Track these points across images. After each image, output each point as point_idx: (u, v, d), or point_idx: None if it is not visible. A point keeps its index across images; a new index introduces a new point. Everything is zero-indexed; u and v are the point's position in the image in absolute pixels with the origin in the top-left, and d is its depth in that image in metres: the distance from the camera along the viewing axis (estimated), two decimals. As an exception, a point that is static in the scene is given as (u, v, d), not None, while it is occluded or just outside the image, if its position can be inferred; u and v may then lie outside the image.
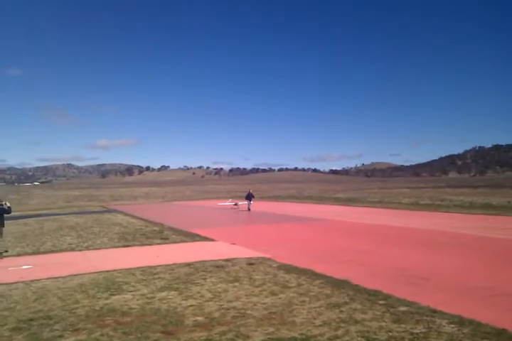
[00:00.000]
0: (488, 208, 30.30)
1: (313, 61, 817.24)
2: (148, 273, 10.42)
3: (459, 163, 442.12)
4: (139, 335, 6.02)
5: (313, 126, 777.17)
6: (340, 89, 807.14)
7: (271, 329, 6.09)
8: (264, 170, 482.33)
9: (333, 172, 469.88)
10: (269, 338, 5.73)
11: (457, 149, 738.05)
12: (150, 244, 15.55)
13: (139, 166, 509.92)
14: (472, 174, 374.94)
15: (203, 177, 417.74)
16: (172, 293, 8.44)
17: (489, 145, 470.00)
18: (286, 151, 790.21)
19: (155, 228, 21.28)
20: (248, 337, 5.82)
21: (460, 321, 6.25)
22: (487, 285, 8.70)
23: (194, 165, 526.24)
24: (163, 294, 8.35)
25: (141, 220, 26.54)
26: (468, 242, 15.01)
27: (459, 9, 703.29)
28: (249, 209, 34.10)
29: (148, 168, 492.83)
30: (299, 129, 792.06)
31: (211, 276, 9.80)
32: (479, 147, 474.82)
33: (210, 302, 7.64)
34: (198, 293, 8.37)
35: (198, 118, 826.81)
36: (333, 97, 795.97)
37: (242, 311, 7.04)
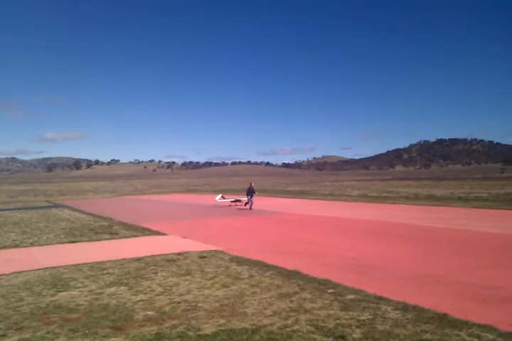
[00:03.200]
0: (432, 199, 31.67)
1: (268, 54, 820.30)
2: (97, 268, 10.16)
3: (405, 156, 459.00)
4: (87, 332, 5.88)
5: (266, 120, 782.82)
6: (293, 83, 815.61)
7: (222, 321, 6.11)
8: (217, 164, 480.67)
9: (285, 165, 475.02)
10: (220, 330, 5.75)
11: (403, 143, 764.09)
12: (99, 240, 15.16)
13: (87, 160, 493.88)
14: (417, 167, 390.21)
15: (154, 171, 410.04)
16: (121, 288, 8.28)
17: (433, 140, 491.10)
18: (239, 145, 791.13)
19: (104, 223, 20.77)
20: (199, 329, 5.82)
21: (404, 307, 6.51)
22: (430, 272, 9.10)
23: (145, 158, 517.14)
24: (112, 289, 8.18)
25: (89, 215, 25.82)
26: (413, 232, 15.64)
27: None
28: (250, 207, 27.72)
29: (97, 162, 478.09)
30: (252, 123, 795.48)
31: (162, 270, 9.69)
32: (424, 141, 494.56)
33: (161, 297, 7.56)
34: (149, 287, 8.26)
35: (150, 111, 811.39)
36: (286, 92, 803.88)
37: (194, 304, 7.02)
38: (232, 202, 31.36)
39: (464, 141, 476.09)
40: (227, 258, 10.98)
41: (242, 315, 6.37)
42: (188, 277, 8.99)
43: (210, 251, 12.14)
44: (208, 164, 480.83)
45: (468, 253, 11.27)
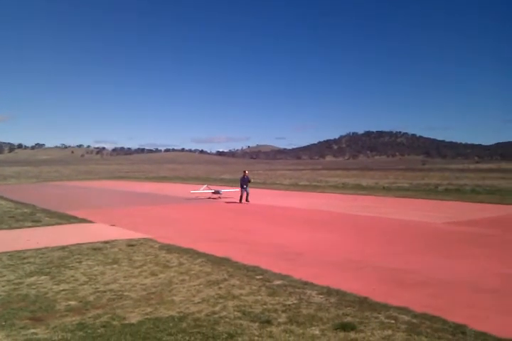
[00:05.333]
0: (359, 189, 33.06)
1: (205, 40, 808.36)
2: (17, 257, 9.60)
3: (335, 147, 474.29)
4: (3, 323, 5.56)
5: (202, 108, 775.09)
6: (231, 72, 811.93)
7: (149, 310, 6.02)
8: (150, 151, 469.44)
9: (219, 153, 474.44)
10: (147, 318, 5.66)
11: (334, 134, 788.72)
12: (19, 227, 14.33)
13: (9, 143, 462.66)
14: (346, 158, 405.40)
15: (82, 156, 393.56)
16: (43, 277, 7.90)
17: (361, 132, 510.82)
18: (173, 132, 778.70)
19: (26, 210, 19.65)
20: (124, 318, 5.69)
21: (328, 291, 6.77)
22: (354, 258, 9.52)
23: (73, 143, 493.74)
24: (33, 279, 7.78)
25: (10, 202, 24.29)
26: (340, 220, 16.27)
27: None
28: (245, 200, 23.24)
29: (20, 146, 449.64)
30: (187, 110, 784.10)
31: (87, 259, 9.36)
32: (353, 133, 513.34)
33: (85, 286, 7.31)
34: (72, 276, 7.95)
35: (79, 92, 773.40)
36: (222, 80, 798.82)
37: (120, 293, 6.86)
38: (213, 193, 26.48)
39: (390, 133, 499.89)
40: (156, 246, 10.81)
41: (170, 303, 6.32)
42: (114, 266, 8.75)
43: (140, 239, 11.88)
44: (141, 150, 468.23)
45: (390, 240, 11.91)
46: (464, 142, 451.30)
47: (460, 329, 5.19)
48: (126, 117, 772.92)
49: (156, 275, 7.96)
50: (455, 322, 5.44)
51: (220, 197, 25.67)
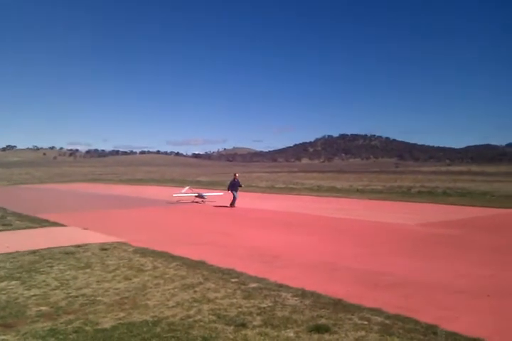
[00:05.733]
0: (333, 191, 33.39)
1: (179, 41, 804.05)
2: (-15, 262, 9.34)
3: (311, 150, 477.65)
4: (-29, 331, 5.40)
5: (178, 110, 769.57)
6: (207, 74, 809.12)
7: (122, 314, 5.94)
8: (124, 153, 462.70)
9: (195, 156, 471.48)
10: (120, 323, 5.59)
11: (309, 137, 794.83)
12: (-12, 232, 13.94)
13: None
14: (321, 160, 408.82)
15: (55, 158, 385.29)
16: (13, 282, 7.71)
17: (337, 135, 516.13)
18: (149, 134, 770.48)
19: (-5, 213, 19.14)
20: (97, 323, 5.60)
21: (303, 294, 6.81)
22: (329, 260, 9.60)
23: (45, 145, 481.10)
24: (3, 284, 7.59)
25: (-22, 205, 23.62)
26: (315, 222, 16.38)
27: None
28: (232, 205, 21.86)
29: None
30: (163, 112, 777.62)
31: (59, 264, 9.16)
32: (328, 136, 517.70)
33: (57, 291, 7.16)
34: (44, 281, 7.78)
35: (52, 93, 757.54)
36: (199, 82, 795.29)
37: (92, 298, 6.74)
38: (196, 197, 24.90)
39: (364, 136, 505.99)
40: (130, 250, 10.67)
41: (144, 307, 6.25)
42: (87, 270, 8.60)
43: (113, 242, 11.71)
44: (115, 153, 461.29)
45: (365, 242, 12.05)
46: (435, 145, 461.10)
47: (431, 330, 5.29)
48: (100, 119, 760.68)
49: (130, 279, 7.86)
50: (427, 322, 5.55)
51: (203, 201, 24.38)
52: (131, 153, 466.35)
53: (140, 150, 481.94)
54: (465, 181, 50.19)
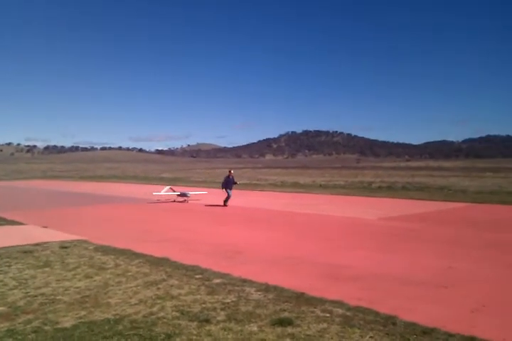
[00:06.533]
0: (297, 187, 33.77)
1: (147, 41, 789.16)
2: None
3: (275, 146, 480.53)
4: None
5: (141, 105, 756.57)
6: (170, 70, 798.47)
7: (83, 313, 5.82)
8: (85, 149, 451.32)
9: (158, 152, 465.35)
10: (81, 322, 5.47)
11: (273, 133, 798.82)
12: None
13: None
14: (285, 156, 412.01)
15: (12, 154, 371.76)
16: (-33, 284, 7.41)
17: (300, 131, 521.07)
18: (110, 129, 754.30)
19: None
20: (57, 323, 5.47)
21: (266, 288, 6.87)
22: (292, 255, 9.71)
23: (1, 141, 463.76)
24: (-43, 286, 7.28)
25: None
26: (279, 217, 16.53)
27: None
28: (225, 203, 20.45)
29: None
30: (126, 107, 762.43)
31: (17, 263, 8.87)
32: (292, 132, 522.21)
33: (15, 291, 6.93)
34: (1, 281, 7.50)
35: (8, 87, 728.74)
36: (162, 78, 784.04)
37: (52, 297, 6.56)
38: (178, 195, 23.38)
39: (327, 133, 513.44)
40: (91, 247, 10.44)
41: (105, 305, 6.14)
42: (46, 269, 8.37)
43: (73, 240, 11.43)
44: (75, 149, 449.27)
45: (327, 236, 12.26)
46: (395, 141, 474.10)
47: (391, 321, 5.45)
48: (59, 114, 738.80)
49: (91, 277, 7.70)
50: (386, 313, 5.70)
51: (186, 201, 22.91)
52: (92, 149, 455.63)
53: (101, 146, 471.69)
54: (423, 176, 51.78)
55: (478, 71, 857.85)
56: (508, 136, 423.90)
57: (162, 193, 23.98)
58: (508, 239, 11.68)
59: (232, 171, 21.48)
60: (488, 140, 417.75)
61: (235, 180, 21.22)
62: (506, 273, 8.03)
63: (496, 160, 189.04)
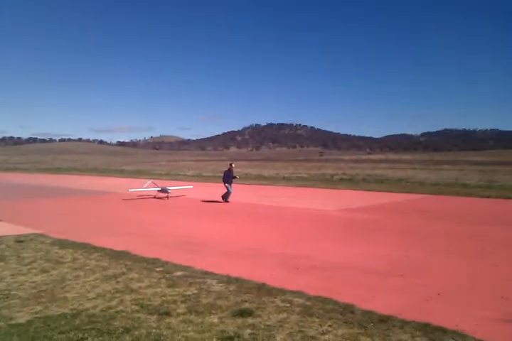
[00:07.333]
0: (261, 179, 33.91)
1: (112, 31, 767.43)
2: None
3: (239, 138, 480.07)
4: None
5: (101, 96, 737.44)
6: (132, 59, 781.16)
7: (39, 308, 5.67)
8: (43, 141, 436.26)
9: (120, 144, 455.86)
10: (36, 317, 5.33)
11: (238, 126, 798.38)
12: None
13: None
14: (249, 149, 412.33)
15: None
16: None
17: (264, 124, 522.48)
18: (70, 120, 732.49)
19: None
20: (11, 318, 5.31)
21: (228, 280, 6.89)
22: (255, 246, 9.77)
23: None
24: None
25: None
26: (242, 209, 16.57)
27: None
28: (225, 199, 18.97)
29: None
30: (86, 97, 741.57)
31: (-32, 258, 8.54)
32: (256, 125, 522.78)
33: (-34, 287, 6.67)
34: (-49, 277, 7.21)
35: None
36: (123, 67, 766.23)
37: (6, 292, 6.36)
38: (159, 191, 21.15)
39: (290, 126, 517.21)
40: (48, 241, 10.16)
41: (62, 300, 6.00)
42: (0, 263, 8.09)
43: (30, 234, 11.08)
44: (33, 140, 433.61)
45: (289, 228, 12.39)
46: (357, 135, 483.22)
47: (349, 309, 5.58)
48: (16, 104, 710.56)
49: (48, 271, 7.50)
50: (345, 302, 5.83)
51: (168, 197, 20.63)
52: (51, 140, 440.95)
53: (60, 137, 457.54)
54: (383, 169, 53.05)
55: (436, 67, 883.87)
56: (464, 129, 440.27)
57: (142, 189, 21.54)
58: (461, 229, 12.14)
59: (233, 164, 19.89)
60: (445, 134, 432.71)
61: (234, 174, 19.56)
62: (459, 262, 8.35)
63: (452, 153, 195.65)
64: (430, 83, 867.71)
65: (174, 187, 21.85)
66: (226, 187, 18.96)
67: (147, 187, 21.94)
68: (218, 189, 23.57)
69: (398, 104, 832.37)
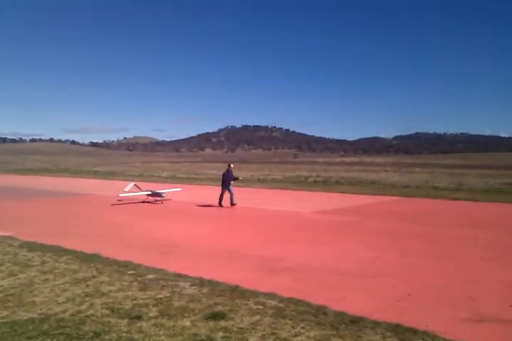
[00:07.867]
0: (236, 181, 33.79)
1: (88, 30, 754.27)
2: None
3: (214, 140, 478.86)
4: None
5: (74, 95, 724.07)
6: (106, 59, 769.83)
7: (5, 313, 5.50)
8: (13, 141, 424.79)
9: (93, 144, 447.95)
10: (2, 322, 5.17)
11: (213, 128, 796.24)
12: None
13: None
14: (225, 150, 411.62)
15: None
16: None
17: (239, 126, 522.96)
18: (41, 120, 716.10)
19: None
20: (-25, 324, 5.14)
21: (201, 282, 6.83)
22: (228, 248, 9.73)
23: None
24: None
25: None
26: (217, 211, 16.50)
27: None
28: (230, 203, 17.74)
29: None
30: (58, 97, 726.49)
31: None
32: (231, 126, 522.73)
33: None
34: None
35: None
36: (96, 66, 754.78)
37: (-29, 297, 6.16)
38: (148, 195, 19.70)
39: (265, 128, 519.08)
40: (16, 244, 9.88)
41: (30, 304, 5.84)
42: (-35, 268, 7.83)
43: (-3, 237, 10.77)
44: (2, 140, 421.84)
45: (263, 230, 12.41)
46: (331, 137, 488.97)
47: (322, 311, 5.61)
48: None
49: (15, 275, 7.29)
50: (318, 304, 5.86)
51: (162, 202, 19.44)
52: (21, 140, 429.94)
53: (30, 137, 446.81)
54: (356, 171, 53.71)
55: (409, 71, 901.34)
56: (435, 133, 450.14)
57: (128, 194, 19.71)
58: (431, 230, 12.39)
59: (231, 165, 19.02)
60: (417, 137, 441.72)
61: (233, 176, 18.69)
62: (429, 263, 8.52)
63: (423, 156, 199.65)
64: (403, 87, 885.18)
65: (165, 191, 20.31)
66: (227, 189, 18.01)
67: (130, 190, 20.51)
68: (194, 191, 23.43)
69: (371, 108, 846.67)
